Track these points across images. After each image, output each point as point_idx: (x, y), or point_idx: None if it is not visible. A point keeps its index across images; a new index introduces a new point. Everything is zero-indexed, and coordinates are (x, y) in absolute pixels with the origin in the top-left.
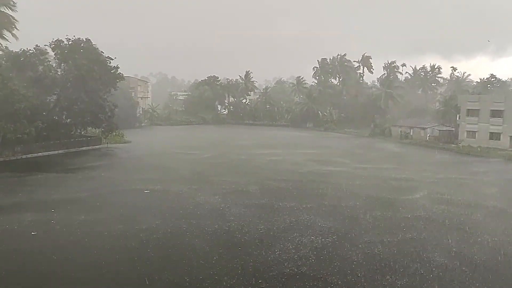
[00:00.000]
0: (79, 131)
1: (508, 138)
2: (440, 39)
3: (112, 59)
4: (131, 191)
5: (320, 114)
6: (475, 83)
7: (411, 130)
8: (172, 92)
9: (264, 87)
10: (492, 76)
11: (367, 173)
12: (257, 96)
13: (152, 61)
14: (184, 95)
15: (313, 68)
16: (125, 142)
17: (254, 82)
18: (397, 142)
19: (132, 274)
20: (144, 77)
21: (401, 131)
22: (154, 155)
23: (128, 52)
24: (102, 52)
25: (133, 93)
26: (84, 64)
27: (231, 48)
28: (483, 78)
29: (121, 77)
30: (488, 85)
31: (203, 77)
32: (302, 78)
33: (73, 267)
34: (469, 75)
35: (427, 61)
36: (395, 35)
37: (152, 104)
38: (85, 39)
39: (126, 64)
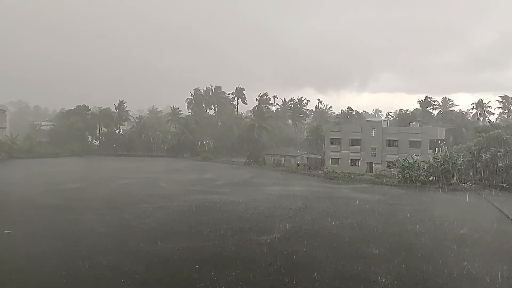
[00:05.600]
0: None
1: (365, 164)
2: (315, 75)
3: None
4: None
5: (199, 143)
6: (336, 115)
7: (283, 158)
8: (35, 122)
9: (137, 116)
10: (349, 108)
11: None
12: (131, 126)
13: (10, 88)
14: (49, 125)
15: (187, 99)
16: None
17: (128, 111)
18: (269, 169)
19: None
20: (1, 106)
21: (274, 159)
22: None
23: None
24: None
25: None
26: None
27: (101, 76)
28: (343, 110)
29: None
30: (348, 116)
31: (71, 106)
32: (178, 108)
33: None
34: (331, 107)
35: (305, 94)
36: (273, 70)
37: (11, 135)
38: None
39: None
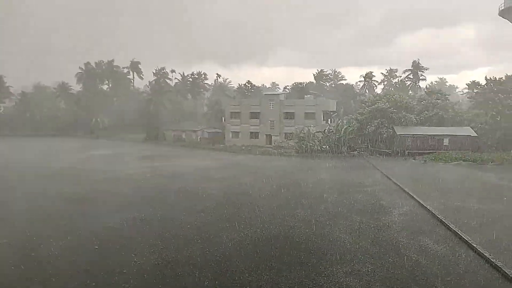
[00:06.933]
0: None
1: (265, 137)
2: (216, 50)
3: None
4: None
5: (93, 120)
6: (235, 88)
7: (184, 133)
8: None
9: (20, 92)
10: (249, 82)
11: None
12: (14, 104)
13: None
14: None
15: (77, 73)
16: None
17: (9, 87)
18: (170, 145)
19: None
20: None
21: (174, 135)
22: None
23: None
24: None
25: None
26: None
27: None
28: (241, 84)
29: None
30: (245, 91)
31: None
32: (67, 83)
33: None
34: (230, 81)
35: (206, 69)
36: (173, 45)
37: None
38: None
39: None
